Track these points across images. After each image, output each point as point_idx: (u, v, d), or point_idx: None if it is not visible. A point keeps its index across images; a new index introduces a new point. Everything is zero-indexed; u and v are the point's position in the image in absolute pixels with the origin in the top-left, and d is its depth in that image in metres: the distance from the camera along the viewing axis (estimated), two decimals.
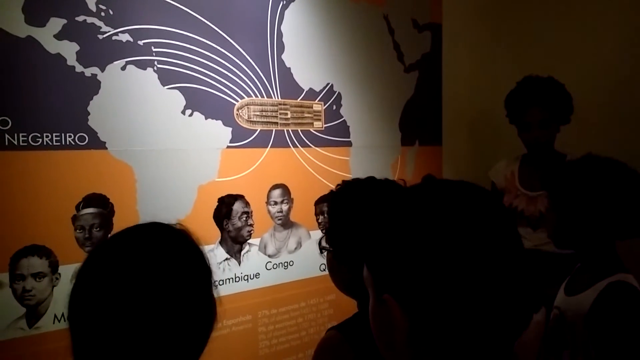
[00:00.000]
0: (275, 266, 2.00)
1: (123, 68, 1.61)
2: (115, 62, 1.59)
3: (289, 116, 2.02)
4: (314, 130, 2.12)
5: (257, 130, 1.93)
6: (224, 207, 1.85)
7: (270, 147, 1.97)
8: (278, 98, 1.99)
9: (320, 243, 1.11)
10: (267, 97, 1.96)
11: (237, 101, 1.87)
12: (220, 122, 1.83)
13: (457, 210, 0.57)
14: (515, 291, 0.56)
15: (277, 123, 1.99)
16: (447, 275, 0.54)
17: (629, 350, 1.14)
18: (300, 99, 2.06)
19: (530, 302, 0.58)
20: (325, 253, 1.11)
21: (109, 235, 0.78)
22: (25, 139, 1.45)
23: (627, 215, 1.23)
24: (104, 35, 1.57)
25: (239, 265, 1.89)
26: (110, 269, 0.75)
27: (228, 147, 1.85)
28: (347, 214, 1.04)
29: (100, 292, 0.74)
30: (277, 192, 2.00)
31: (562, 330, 1.31)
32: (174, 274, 0.77)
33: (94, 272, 0.77)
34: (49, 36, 1.48)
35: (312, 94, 2.10)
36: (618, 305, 1.18)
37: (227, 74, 1.84)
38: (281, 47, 2.00)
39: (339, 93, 2.20)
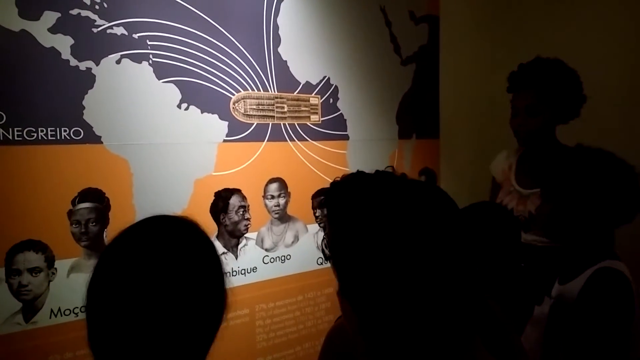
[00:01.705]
0: (272, 260, 2.00)
1: (118, 62, 1.60)
2: (110, 56, 1.58)
3: (285, 110, 2.02)
4: (311, 124, 2.11)
5: (253, 124, 1.93)
6: (221, 201, 1.85)
7: (267, 140, 1.97)
8: (274, 91, 1.98)
9: (323, 250, 1.13)
10: (264, 90, 1.95)
11: (233, 95, 1.86)
12: (216, 115, 1.82)
13: (399, 219, 0.63)
14: (450, 300, 0.63)
15: (273, 117, 1.98)
16: (386, 282, 0.61)
17: (614, 335, 1.17)
18: (297, 93, 2.06)
19: (469, 309, 0.65)
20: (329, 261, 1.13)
21: (117, 231, 0.85)
22: (20, 133, 1.44)
23: (615, 203, 1.26)
24: (99, 29, 1.56)
25: (236, 259, 1.89)
26: (127, 263, 0.80)
27: (224, 141, 1.85)
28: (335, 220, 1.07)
29: (118, 284, 0.78)
30: (274, 186, 2.00)
31: (558, 319, 1.33)
32: (188, 266, 0.81)
33: (111, 264, 0.81)
34: (43, 30, 1.46)
35: (308, 87, 2.09)
36: (604, 291, 1.21)
37: (223, 68, 1.83)
38: (277, 40, 1.98)
39: (336, 86, 2.19)
